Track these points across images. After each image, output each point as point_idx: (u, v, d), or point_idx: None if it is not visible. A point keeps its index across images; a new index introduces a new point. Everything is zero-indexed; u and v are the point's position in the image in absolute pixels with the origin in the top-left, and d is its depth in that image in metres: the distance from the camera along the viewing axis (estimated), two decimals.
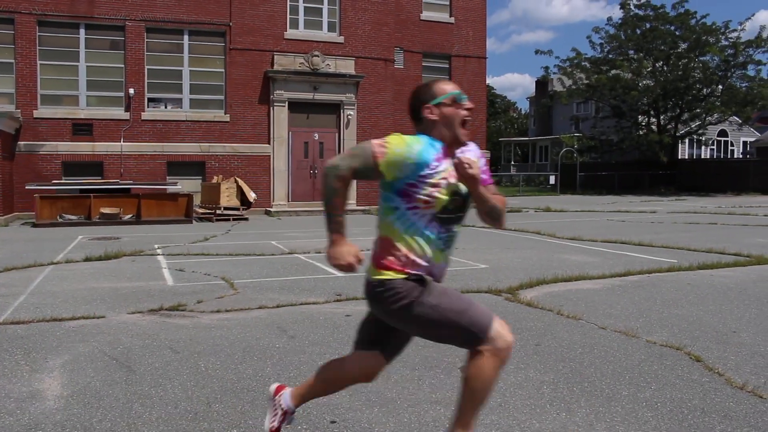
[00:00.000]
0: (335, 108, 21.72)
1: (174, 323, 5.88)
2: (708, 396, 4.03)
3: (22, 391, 4.11)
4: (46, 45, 19.14)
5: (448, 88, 2.82)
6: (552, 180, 39.44)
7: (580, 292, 7.31)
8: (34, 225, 16.19)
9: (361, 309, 6.43)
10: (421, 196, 2.70)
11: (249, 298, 7.01)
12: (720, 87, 36.60)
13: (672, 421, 3.65)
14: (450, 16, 25.05)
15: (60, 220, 16.57)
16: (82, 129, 19.34)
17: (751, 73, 36.39)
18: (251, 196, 19.21)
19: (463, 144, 2.83)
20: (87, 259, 9.83)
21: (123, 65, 19.72)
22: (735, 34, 35.14)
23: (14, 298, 7.02)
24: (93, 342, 5.26)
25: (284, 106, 21.03)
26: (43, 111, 19.01)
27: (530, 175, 45.06)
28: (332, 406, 3.86)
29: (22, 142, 18.74)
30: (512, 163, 51.60)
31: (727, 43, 35.27)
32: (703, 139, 40.36)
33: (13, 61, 18.77)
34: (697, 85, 36.26)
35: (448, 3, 25.06)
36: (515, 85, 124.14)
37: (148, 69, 19.94)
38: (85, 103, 19.60)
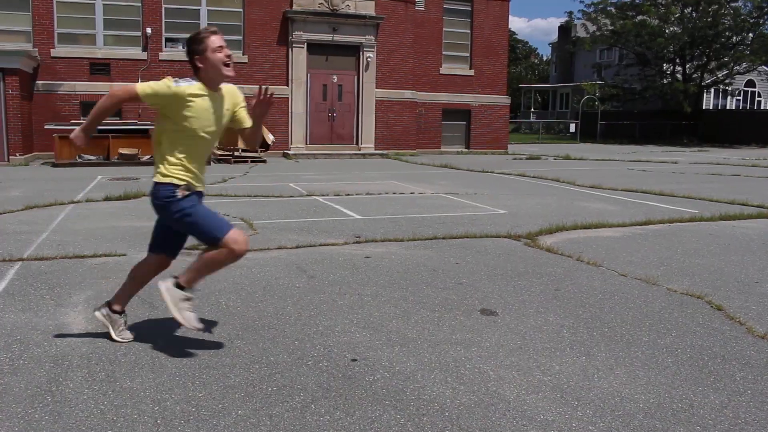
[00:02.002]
0: (354, 50, 21.38)
1: None
2: (729, 344, 4.02)
3: (48, 324, 4.19)
4: None
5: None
6: (572, 128, 38.98)
7: (600, 239, 7.26)
8: (54, 165, 16.29)
9: (380, 251, 6.44)
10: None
11: (268, 238, 7.03)
12: (751, 35, 35.54)
13: (692, 367, 3.64)
14: None
15: (79, 160, 16.64)
16: (100, 68, 19.23)
17: None
18: (269, 138, 19.14)
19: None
20: (107, 199, 9.90)
21: (140, 4, 19.45)
22: None
23: (37, 235, 7.10)
24: (115, 279, 5.31)
25: (303, 47, 20.73)
26: (60, 50, 18.88)
27: (550, 122, 44.47)
28: (353, 344, 3.89)
29: (40, 82, 18.69)
30: (532, 110, 50.92)
31: None
32: (730, 89, 39.47)
33: None
34: (727, 33, 35.23)
35: None
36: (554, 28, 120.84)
37: (165, 8, 19.66)
38: (102, 42, 19.43)
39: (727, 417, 3.04)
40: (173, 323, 4.21)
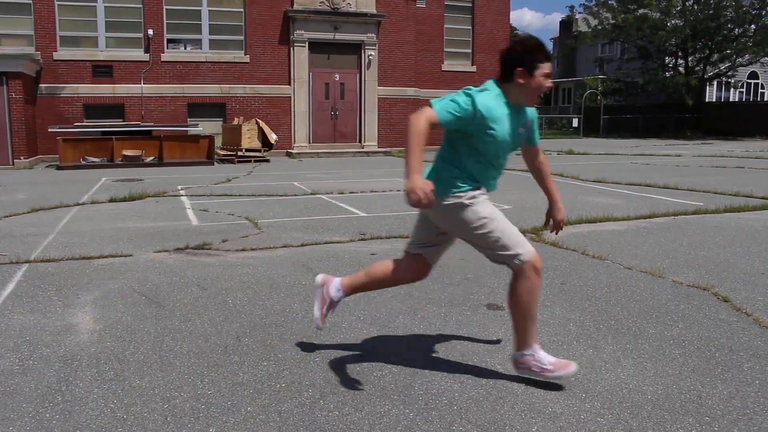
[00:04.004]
0: (356, 48, 21.38)
1: (200, 261, 5.95)
2: (736, 335, 4.02)
3: (56, 324, 4.21)
4: None
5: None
6: (575, 123, 38.89)
7: (604, 233, 7.26)
8: (58, 167, 16.34)
9: (385, 248, 6.45)
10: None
11: (273, 237, 7.05)
12: (753, 26, 35.37)
13: (699, 358, 3.64)
14: None
15: (83, 162, 16.69)
16: (102, 71, 19.27)
17: None
18: (272, 137, 19.16)
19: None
20: (112, 200, 9.93)
21: (141, 5, 19.48)
22: None
23: (43, 237, 7.12)
24: (122, 279, 5.34)
25: (304, 46, 20.74)
26: (62, 53, 18.93)
27: (553, 117, 44.40)
28: (360, 340, 3.90)
29: (43, 85, 18.74)
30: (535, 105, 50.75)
31: None
32: (732, 81, 39.32)
33: (30, 1, 18.60)
34: (729, 25, 35.08)
35: None
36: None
37: (166, 9, 19.69)
38: (104, 44, 19.47)
39: (736, 407, 3.05)
40: (179, 321, 4.24)
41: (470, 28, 24.12)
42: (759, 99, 43.73)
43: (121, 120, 19.29)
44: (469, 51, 24.21)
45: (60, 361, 3.59)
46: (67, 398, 3.13)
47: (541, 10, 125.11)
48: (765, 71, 41.95)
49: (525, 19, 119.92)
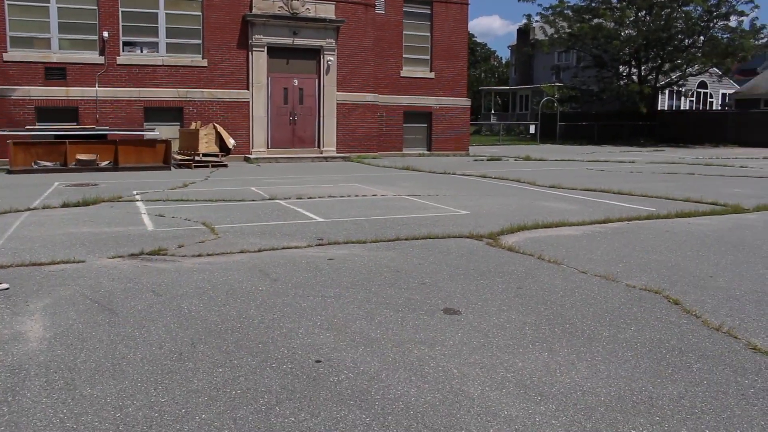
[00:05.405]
0: (315, 53, 21.32)
1: (155, 267, 5.84)
2: (685, 337, 4.12)
3: (3, 333, 4.08)
4: None
5: None
6: (532, 129, 39.48)
7: (560, 238, 7.37)
8: (9, 172, 15.88)
9: (342, 253, 6.44)
10: None
11: (230, 242, 6.97)
12: (702, 38, 36.52)
13: (651, 360, 3.72)
14: None
15: (35, 166, 16.25)
16: (55, 73, 18.80)
17: (733, 24, 36.36)
18: (230, 142, 18.97)
19: None
20: (65, 205, 9.69)
21: (95, 7, 19.07)
22: None
23: None
24: (74, 286, 5.21)
25: (263, 51, 20.60)
26: (13, 54, 18.42)
27: (510, 124, 44.97)
28: (317, 346, 3.88)
29: None
30: (492, 112, 51.42)
31: None
32: (683, 90, 40.47)
33: None
34: (679, 36, 36.17)
35: None
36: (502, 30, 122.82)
37: (122, 11, 19.33)
38: (58, 46, 19.01)
39: (685, 407, 3.12)
40: (133, 327, 4.16)
41: (429, 34, 24.29)
42: (708, 108, 45.09)
43: (75, 123, 18.84)
44: (428, 58, 24.36)
45: (7, 371, 3.48)
46: (13, 409, 3.04)
47: (507, 18, 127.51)
48: (713, 81, 43.30)
49: (493, 27, 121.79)
